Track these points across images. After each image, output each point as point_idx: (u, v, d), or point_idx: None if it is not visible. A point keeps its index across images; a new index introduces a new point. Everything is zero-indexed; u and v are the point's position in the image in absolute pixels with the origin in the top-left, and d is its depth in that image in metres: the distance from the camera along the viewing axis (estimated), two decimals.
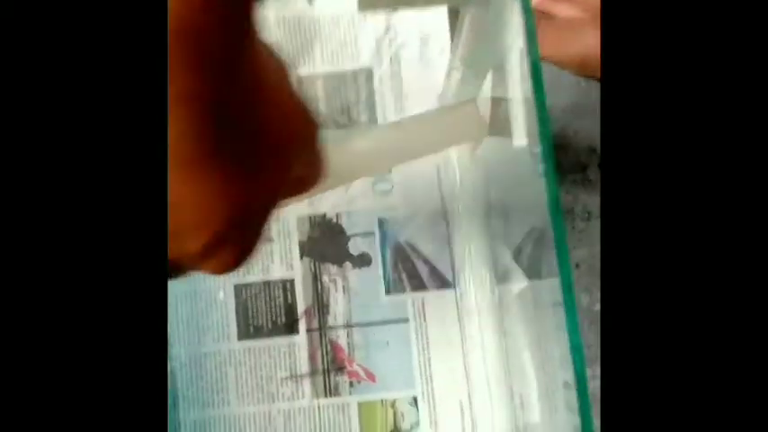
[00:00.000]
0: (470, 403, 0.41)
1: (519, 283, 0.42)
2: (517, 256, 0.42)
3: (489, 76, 0.38)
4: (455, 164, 0.43)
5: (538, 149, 0.31)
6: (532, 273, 0.42)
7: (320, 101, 0.44)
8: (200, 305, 0.42)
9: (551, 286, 0.43)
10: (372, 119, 0.44)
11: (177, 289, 0.42)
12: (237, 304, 0.42)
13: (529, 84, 0.30)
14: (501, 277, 0.42)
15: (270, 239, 0.42)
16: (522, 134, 0.44)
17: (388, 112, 0.44)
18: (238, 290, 0.42)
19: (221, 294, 0.42)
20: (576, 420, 0.41)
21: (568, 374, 0.42)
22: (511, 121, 0.42)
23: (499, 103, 0.37)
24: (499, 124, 0.38)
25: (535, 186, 0.43)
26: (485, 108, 0.38)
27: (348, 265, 0.43)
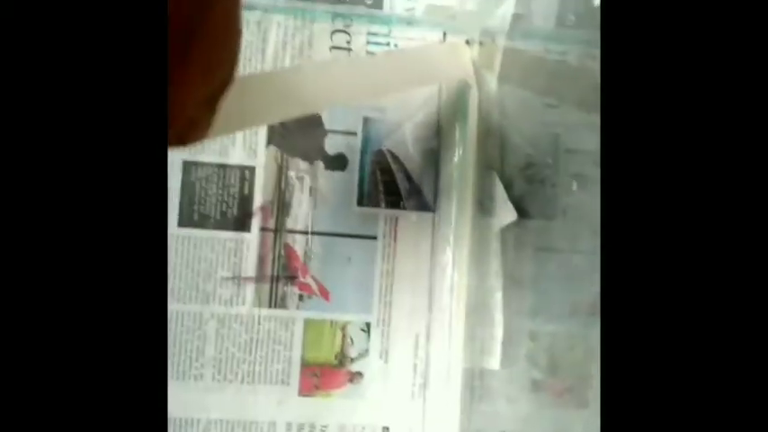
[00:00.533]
0: (428, 338, 0.37)
1: (504, 219, 0.38)
2: (508, 189, 0.38)
3: None
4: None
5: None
6: (521, 210, 0.38)
7: None
8: None
9: (537, 228, 0.40)
10: (377, 2, 0.37)
11: None
12: (184, 184, 0.36)
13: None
14: (486, 209, 0.38)
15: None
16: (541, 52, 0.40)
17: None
18: (188, 168, 0.36)
19: None
20: (535, 374, 0.39)
21: (536, 326, 0.39)
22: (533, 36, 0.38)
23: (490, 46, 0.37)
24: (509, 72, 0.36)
25: (542, 118, 0.39)
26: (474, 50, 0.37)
27: (320, 164, 0.37)
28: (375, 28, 0.37)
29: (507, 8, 0.37)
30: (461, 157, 0.37)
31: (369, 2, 0.37)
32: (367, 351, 0.37)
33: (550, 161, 0.39)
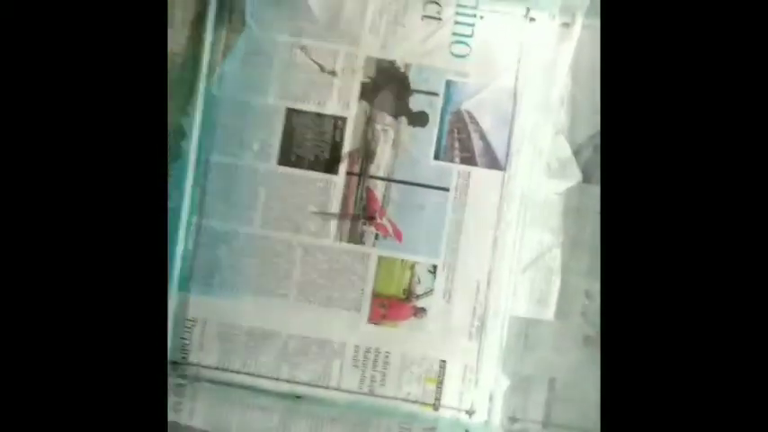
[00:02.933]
0: (488, 285, 0.41)
1: (570, 182, 0.41)
2: (577, 155, 0.41)
3: None
4: (540, 46, 0.41)
5: None
6: (586, 176, 0.41)
7: None
8: (248, 119, 0.41)
9: (599, 194, 0.42)
10: None
11: (228, 96, 0.41)
12: (285, 129, 0.41)
13: None
14: (554, 171, 0.41)
15: (333, 72, 0.41)
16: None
17: None
18: (290, 114, 0.41)
19: (268, 115, 0.41)
20: (588, 330, 0.41)
21: (592, 285, 0.41)
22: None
23: None
24: None
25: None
26: None
27: (404, 119, 0.41)
28: (464, 0, 0.41)
29: None
30: (534, 121, 0.41)
31: None
32: (432, 290, 0.41)
33: None
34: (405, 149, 0.41)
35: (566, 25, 0.41)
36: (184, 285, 0.41)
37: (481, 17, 0.41)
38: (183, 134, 0.41)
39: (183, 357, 0.41)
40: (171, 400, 0.39)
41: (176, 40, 0.41)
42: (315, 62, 0.41)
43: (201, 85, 0.41)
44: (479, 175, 0.41)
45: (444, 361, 0.41)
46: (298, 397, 0.40)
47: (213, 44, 0.41)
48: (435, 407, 0.40)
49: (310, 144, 0.41)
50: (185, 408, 0.40)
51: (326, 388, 0.41)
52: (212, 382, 0.40)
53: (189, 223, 0.41)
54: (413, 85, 0.41)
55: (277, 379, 0.41)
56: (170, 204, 0.40)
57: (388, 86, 0.41)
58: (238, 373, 0.41)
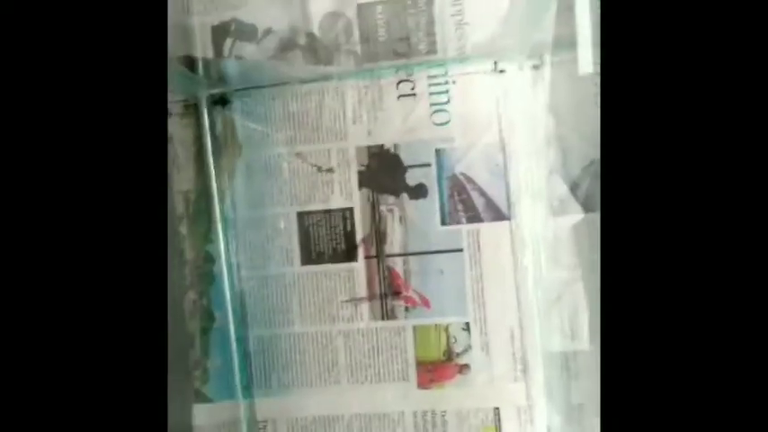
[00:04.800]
0: (521, 330, 0.43)
1: (574, 216, 0.42)
2: (574, 190, 0.42)
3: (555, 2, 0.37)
4: (515, 95, 0.43)
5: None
6: (589, 206, 0.42)
7: (379, 28, 0.43)
8: (265, 231, 0.44)
9: None
10: (432, 49, 0.43)
11: (243, 216, 0.44)
12: (300, 231, 0.44)
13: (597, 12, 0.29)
14: (557, 210, 0.42)
15: (330, 170, 0.44)
16: (588, 62, 0.43)
17: (448, 39, 0.43)
18: (301, 217, 0.44)
19: (282, 223, 0.44)
20: None
21: None
22: (578, 48, 0.41)
23: None
24: None
25: (596, 117, 0.43)
26: None
27: (405, 195, 0.44)
28: (433, 71, 0.43)
29: (548, 30, 0.41)
30: (526, 167, 0.42)
31: (424, 50, 0.43)
32: (470, 346, 0.43)
33: None
34: (412, 223, 0.44)
35: (535, 67, 0.42)
36: (248, 393, 0.45)
37: (453, 82, 0.43)
38: (212, 260, 0.44)
39: None
40: None
41: (185, 178, 0.44)
42: (312, 164, 0.44)
43: (217, 212, 0.44)
44: (487, 229, 0.43)
45: (498, 408, 0.43)
46: None
47: (217, 174, 0.44)
48: None
49: (326, 239, 0.44)
50: None
51: None
52: None
53: (238, 338, 0.45)
54: (405, 162, 0.44)
55: None
56: (216, 326, 0.44)
57: (383, 169, 0.44)
58: None
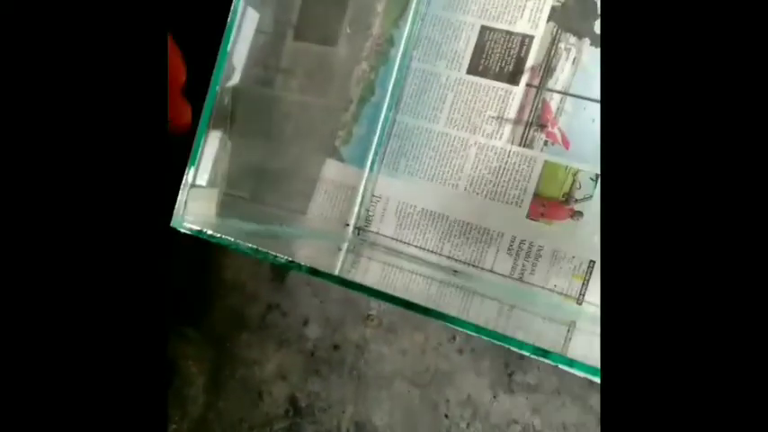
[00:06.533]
0: None
1: None
2: None
3: None
4: None
5: None
6: None
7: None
8: (446, 33, 0.48)
9: None
10: None
11: (434, 14, 0.48)
12: (478, 43, 0.47)
13: None
14: None
15: None
16: None
17: None
18: (483, 31, 0.47)
19: (464, 31, 0.47)
20: None
21: None
22: None
23: None
24: None
25: None
26: None
27: (587, 40, 0.45)
28: None
29: None
30: None
31: None
32: (591, 196, 0.44)
33: None
34: (584, 68, 0.45)
35: None
36: (375, 167, 0.49)
37: None
38: (392, 43, 0.49)
39: (366, 226, 0.49)
40: (349, 258, 0.47)
41: None
42: None
43: (413, 4, 0.48)
44: None
45: (593, 261, 0.44)
46: (455, 272, 0.46)
47: None
48: (579, 301, 0.43)
49: (497, 57, 0.47)
50: (361, 266, 0.48)
51: (481, 269, 0.46)
52: (387, 248, 0.48)
53: (386, 117, 0.49)
54: (599, 10, 0.45)
55: (439, 254, 0.47)
56: (373, 99, 0.48)
57: (579, 11, 0.45)
58: (409, 244, 0.47)
